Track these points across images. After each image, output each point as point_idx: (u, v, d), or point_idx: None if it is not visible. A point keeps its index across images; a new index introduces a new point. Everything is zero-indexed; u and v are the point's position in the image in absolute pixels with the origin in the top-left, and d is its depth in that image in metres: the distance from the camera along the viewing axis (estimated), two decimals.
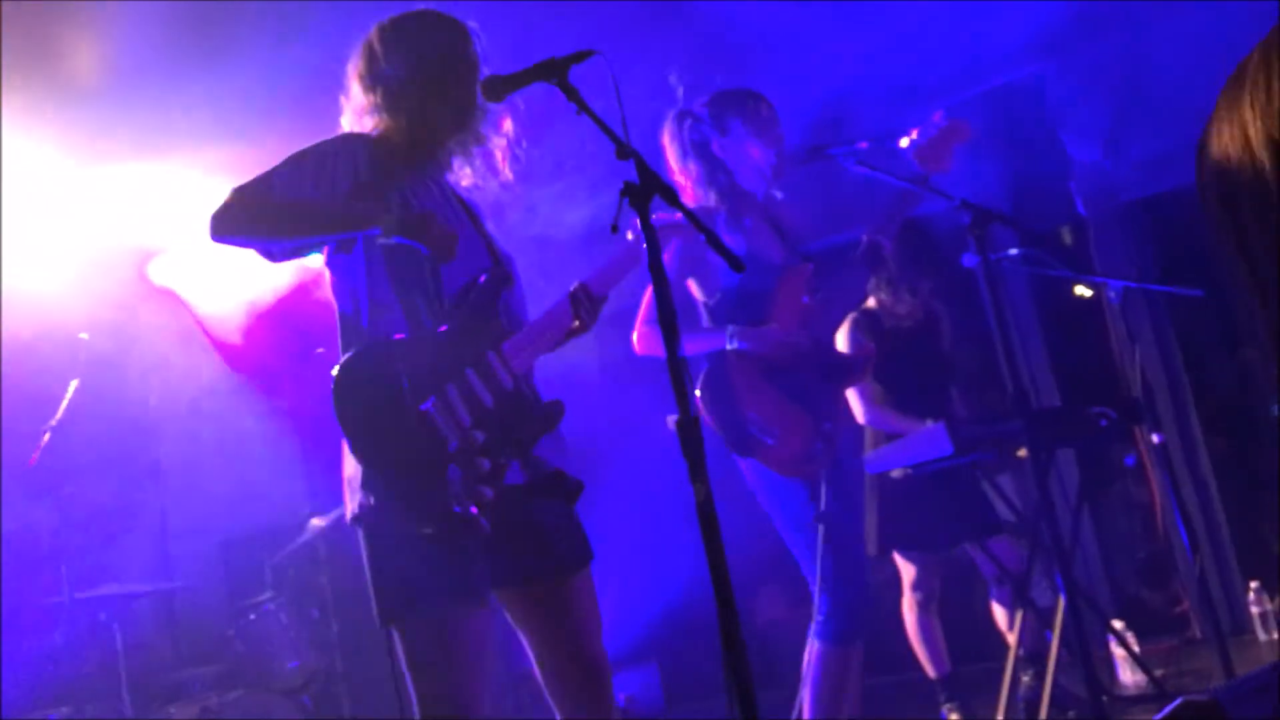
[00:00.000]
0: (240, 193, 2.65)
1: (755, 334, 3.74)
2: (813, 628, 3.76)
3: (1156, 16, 5.53)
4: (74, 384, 5.56)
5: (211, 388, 6.76)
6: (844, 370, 3.95)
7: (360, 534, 2.67)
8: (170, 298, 6.73)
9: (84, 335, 5.79)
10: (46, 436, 5.47)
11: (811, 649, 3.76)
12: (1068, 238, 6.48)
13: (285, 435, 6.63)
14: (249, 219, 2.64)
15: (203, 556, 6.72)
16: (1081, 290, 5.58)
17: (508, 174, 2.90)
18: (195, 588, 6.32)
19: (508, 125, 2.89)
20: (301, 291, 6.27)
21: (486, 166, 2.88)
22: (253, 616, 5.90)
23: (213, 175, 5.35)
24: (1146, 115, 5.82)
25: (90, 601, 5.43)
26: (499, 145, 2.88)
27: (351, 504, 2.65)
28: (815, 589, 3.73)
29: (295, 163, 2.69)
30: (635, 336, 3.92)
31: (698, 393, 3.77)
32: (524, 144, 2.93)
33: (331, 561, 6.12)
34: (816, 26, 5.86)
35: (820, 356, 3.83)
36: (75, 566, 5.44)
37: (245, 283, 6.52)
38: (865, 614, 3.74)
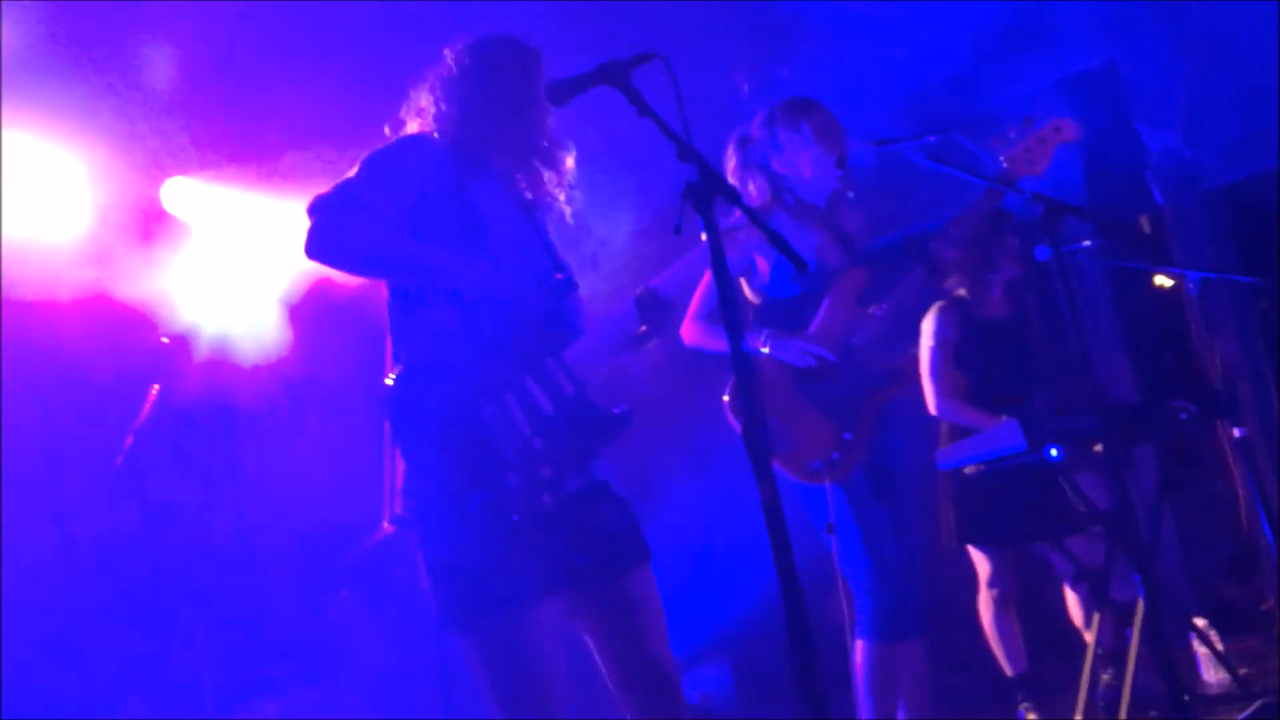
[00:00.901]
0: (324, 213, 2.65)
1: (784, 342, 3.78)
2: (855, 627, 3.78)
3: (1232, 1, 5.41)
4: (155, 388, 5.66)
5: (284, 385, 6.85)
6: (886, 380, 3.90)
7: (416, 537, 2.68)
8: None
9: (165, 339, 5.90)
10: (130, 439, 5.58)
11: (855, 649, 3.78)
12: (1146, 228, 6.36)
13: (359, 432, 6.70)
14: (338, 250, 2.66)
15: (279, 551, 6.82)
16: (1161, 280, 5.46)
17: (569, 185, 2.93)
18: (272, 582, 6.42)
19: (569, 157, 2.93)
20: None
21: (553, 175, 2.91)
22: (322, 618, 5.98)
23: None
24: (1223, 100, 5.68)
25: (170, 597, 5.55)
26: (564, 155, 2.91)
27: (403, 506, 2.67)
28: (854, 589, 3.77)
29: (371, 168, 2.71)
30: (684, 328, 3.98)
31: (725, 397, 3.81)
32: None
33: (408, 557, 6.17)
34: (884, 17, 5.82)
35: (860, 364, 3.82)
36: (156, 566, 5.56)
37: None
38: (908, 614, 3.75)
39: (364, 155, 2.76)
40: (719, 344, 3.85)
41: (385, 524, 4.79)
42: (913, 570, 3.80)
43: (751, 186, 3.97)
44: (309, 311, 6.68)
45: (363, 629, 5.97)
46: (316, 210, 2.66)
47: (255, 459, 6.85)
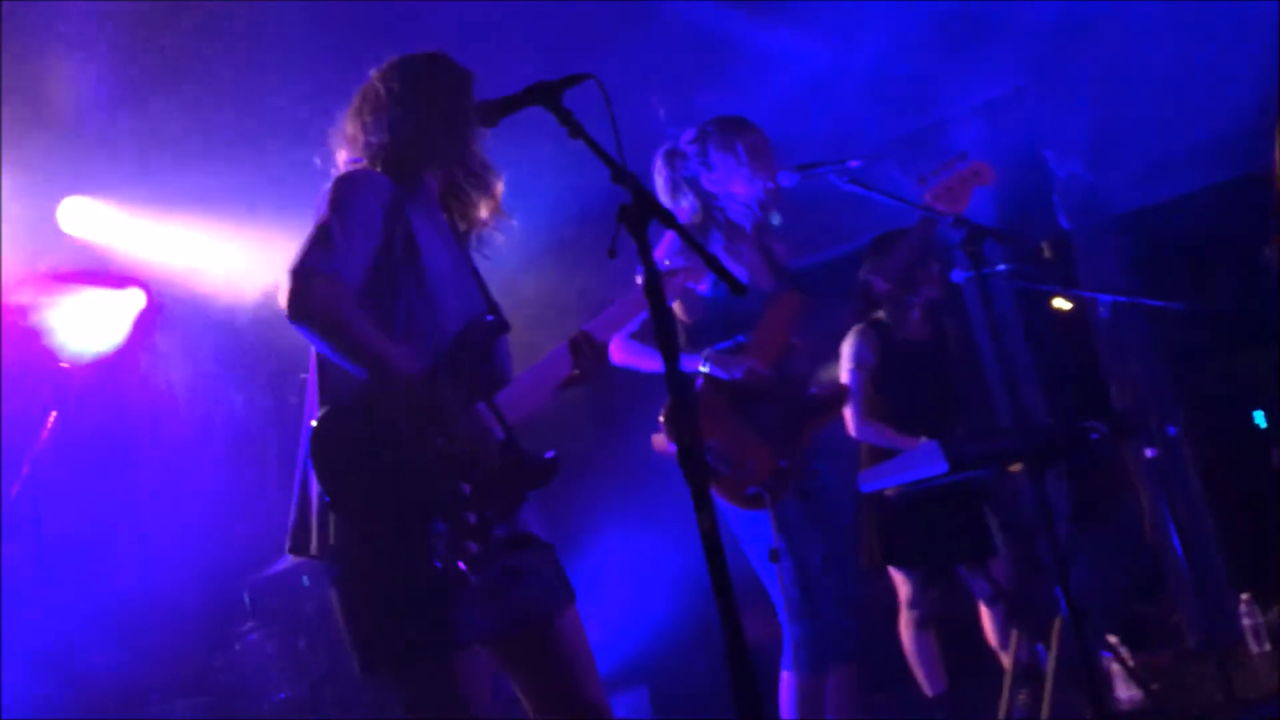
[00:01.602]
0: (309, 280, 2.48)
1: (727, 360, 3.73)
2: (782, 658, 3.74)
3: (1137, 29, 5.56)
4: (53, 415, 5.49)
5: (186, 411, 6.69)
6: (817, 407, 3.90)
7: (333, 571, 2.56)
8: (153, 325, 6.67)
9: (65, 364, 5.73)
10: (26, 468, 5.41)
11: (782, 680, 3.74)
12: (1048, 252, 6.49)
13: (260, 462, 6.55)
14: (324, 327, 2.48)
15: (181, 582, 6.63)
16: (1060, 303, 5.58)
17: (498, 212, 2.88)
18: (174, 614, 6.23)
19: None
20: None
21: (486, 201, 2.85)
22: (237, 647, 5.81)
23: None
24: (1128, 128, 5.84)
25: (66, 627, 5.35)
26: (495, 180, 2.85)
27: (318, 539, 2.55)
28: (783, 618, 3.71)
29: (344, 228, 2.55)
30: (613, 347, 3.88)
31: (661, 418, 3.74)
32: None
33: (318, 590, 6.03)
34: (800, 44, 5.88)
35: (793, 392, 3.80)
36: (50, 598, 5.36)
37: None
38: (836, 642, 3.72)
39: (325, 200, 2.61)
40: (649, 362, 3.78)
41: (289, 555, 4.65)
42: (842, 598, 3.78)
43: (683, 203, 3.94)
44: (209, 339, 6.55)
45: (268, 663, 5.80)
46: (300, 277, 2.48)
47: (154, 488, 6.66)
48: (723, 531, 3.36)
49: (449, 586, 2.43)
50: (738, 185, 3.90)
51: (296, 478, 2.62)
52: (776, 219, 3.95)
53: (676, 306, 3.90)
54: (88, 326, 6.34)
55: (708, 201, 3.92)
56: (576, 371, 2.71)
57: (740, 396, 3.71)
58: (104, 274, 6.35)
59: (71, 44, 4.90)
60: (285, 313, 2.48)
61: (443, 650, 2.46)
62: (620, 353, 3.88)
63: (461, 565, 2.44)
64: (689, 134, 4.00)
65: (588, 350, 2.71)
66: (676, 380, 2.26)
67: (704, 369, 3.73)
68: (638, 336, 3.89)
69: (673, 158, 4.00)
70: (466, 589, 2.45)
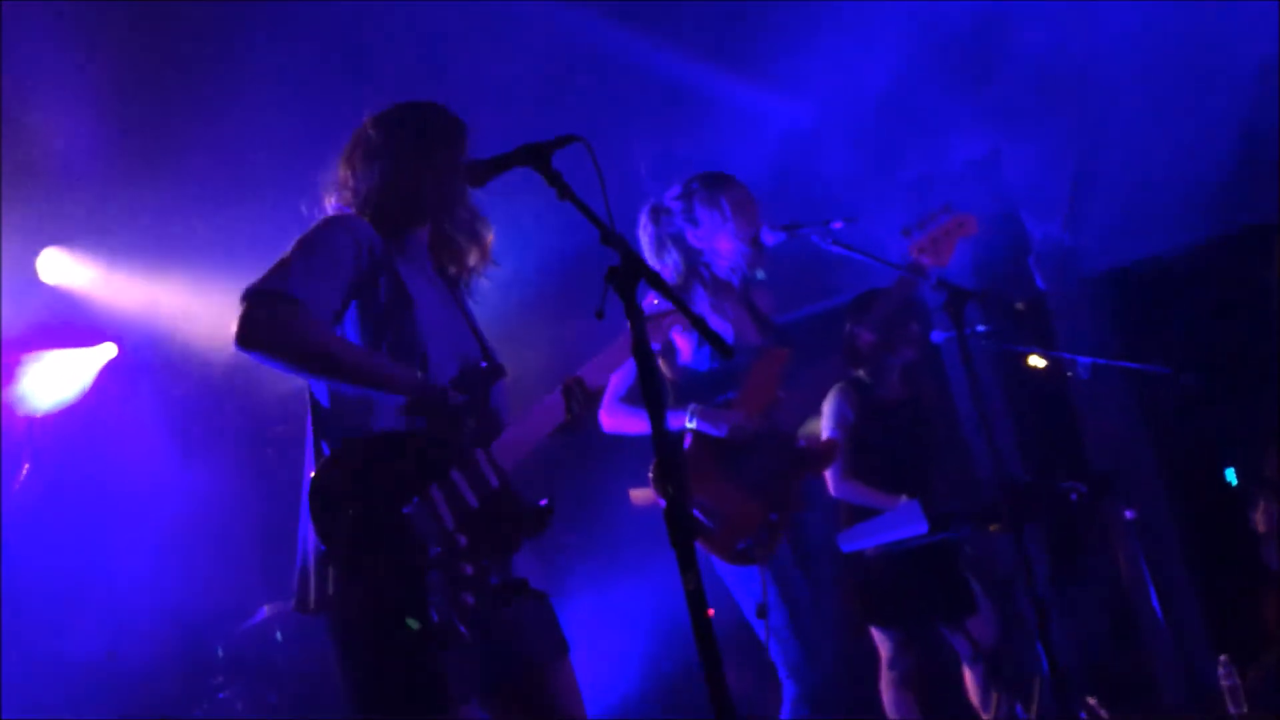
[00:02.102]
0: (261, 302, 2.48)
1: (714, 415, 3.72)
2: (780, 711, 3.71)
3: (1112, 91, 5.65)
4: (25, 467, 5.45)
5: (164, 464, 6.65)
6: (807, 460, 3.90)
7: (328, 623, 2.56)
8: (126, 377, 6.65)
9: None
10: None
11: None
12: (1022, 307, 6.55)
13: (239, 515, 6.50)
14: (275, 344, 2.47)
15: (154, 638, 6.54)
16: (1035, 361, 5.61)
17: (487, 260, 2.89)
18: (147, 671, 6.14)
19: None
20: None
21: (475, 250, 2.87)
22: (199, 712, 5.71)
23: None
24: (1103, 190, 5.91)
25: (36, 682, 5.26)
26: (484, 230, 2.87)
27: (316, 591, 2.54)
28: (781, 673, 3.70)
29: (306, 257, 2.56)
30: (603, 414, 3.89)
31: (650, 474, 3.72)
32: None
33: (290, 645, 5.96)
34: (776, 101, 5.95)
35: (781, 445, 3.80)
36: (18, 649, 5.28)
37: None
38: (831, 698, 3.69)
39: (298, 238, 2.63)
40: (640, 425, 3.77)
41: (294, 608, 4.62)
42: (834, 650, 3.77)
43: (668, 260, 3.94)
44: (182, 391, 6.53)
45: (239, 718, 5.71)
46: (252, 299, 2.48)
47: (129, 539, 6.58)
48: (715, 584, 3.37)
49: (444, 640, 2.42)
50: (723, 241, 3.91)
51: (299, 532, 2.61)
52: (761, 274, 3.96)
53: (663, 364, 3.91)
54: (54, 379, 6.32)
55: (693, 258, 3.93)
56: (570, 417, 2.72)
57: (728, 451, 3.71)
58: (76, 328, 6.33)
59: (55, 97, 4.90)
60: (235, 341, 2.47)
61: (438, 708, 2.45)
62: (610, 419, 3.89)
63: (456, 619, 2.42)
64: (674, 190, 4.01)
65: (580, 395, 2.73)
66: (663, 439, 2.26)
67: (691, 425, 3.72)
68: (625, 399, 3.88)
69: (658, 214, 4.00)
70: (461, 641, 2.44)
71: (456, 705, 2.48)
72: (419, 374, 2.57)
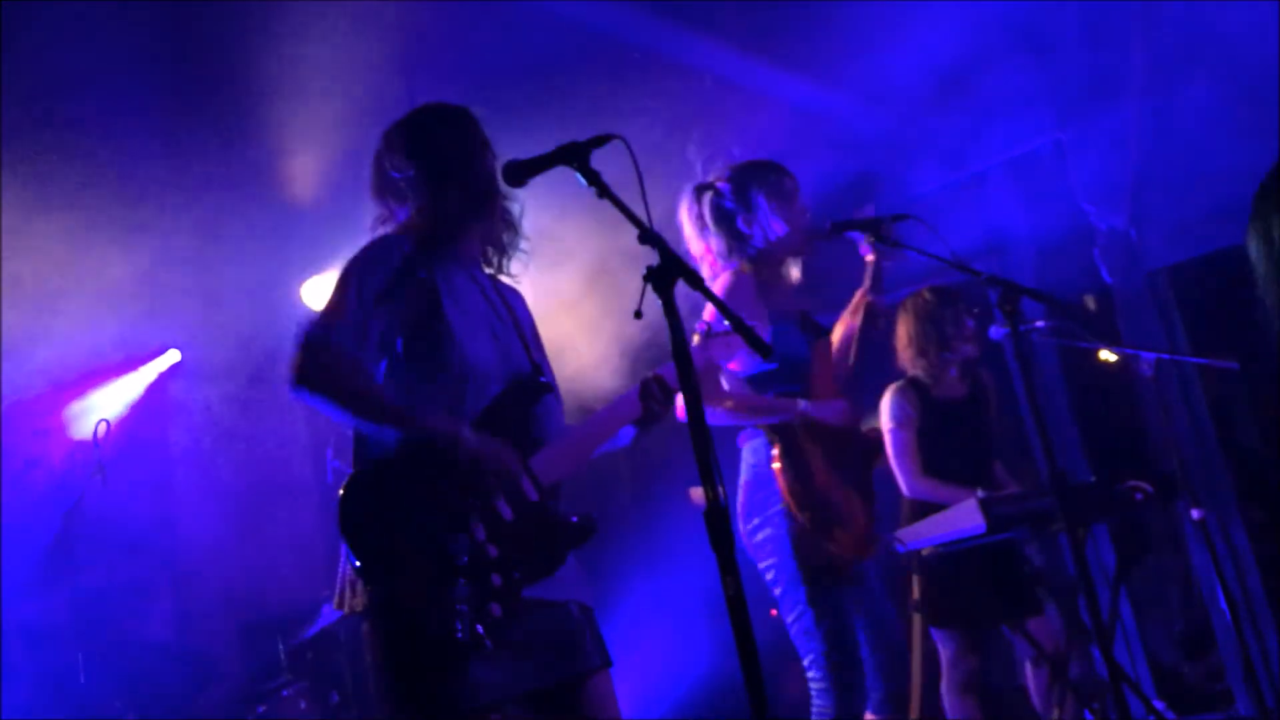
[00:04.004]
0: (314, 350, 2.53)
1: (824, 405, 3.57)
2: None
3: (1177, 81, 5.52)
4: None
5: (231, 470, 6.75)
6: (874, 451, 3.83)
7: (366, 630, 2.59)
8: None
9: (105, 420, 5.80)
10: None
11: None
12: (1092, 305, 6.42)
13: (304, 518, 6.58)
14: (325, 391, 2.52)
15: (221, 639, 6.64)
16: (1106, 355, 5.48)
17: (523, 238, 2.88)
18: (213, 670, 6.23)
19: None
20: None
21: (510, 234, 2.87)
22: (262, 709, 5.77)
23: None
24: (1169, 181, 5.77)
25: (105, 686, 5.36)
26: (514, 208, 2.87)
27: (351, 596, 2.59)
28: (818, 685, 3.56)
29: (357, 292, 2.59)
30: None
31: (775, 465, 3.52)
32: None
33: (351, 646, 6.01)
34: (832, 98, 5.88)
35: (858, 439, 3.72)
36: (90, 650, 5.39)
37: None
38: (904, 699, 3.63)
39: (342, 270, 2.66)
40: (722, 418, 3.54)
41: (335, 609, 4.65)
42: (901, 654, 3.70)
43: (712, 243, 3.79)
44: (248, 399, 6.62)
45: (302, 717, 5.76)
46: (306, 346, 2.54)
47: (193, 544, 6.70)
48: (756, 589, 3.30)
49: (467, 650, 2.42)
50: (774, 227, 3.76)
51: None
52: (797, 271, 3.86)
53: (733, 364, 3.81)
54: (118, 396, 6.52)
55: (742, 241, 3.77)
56: (645, 414, 2.72)
57: (834, 446, 3.57)
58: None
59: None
60: (289, 385, 2.53)
61: (463, 717, 2.45)
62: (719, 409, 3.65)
63: (480, 629, 2.41)
64: (725, 171, 3.86)
65: (658, 394, 2.72)
66: (703, 440, 2.23)
67: (803, 409, 3.54)
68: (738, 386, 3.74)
69: (703, 192, 3.85)
70: (488, 654, 2.43)
71: (485, 715, 2.47)
72: (458, 431, 2.52)
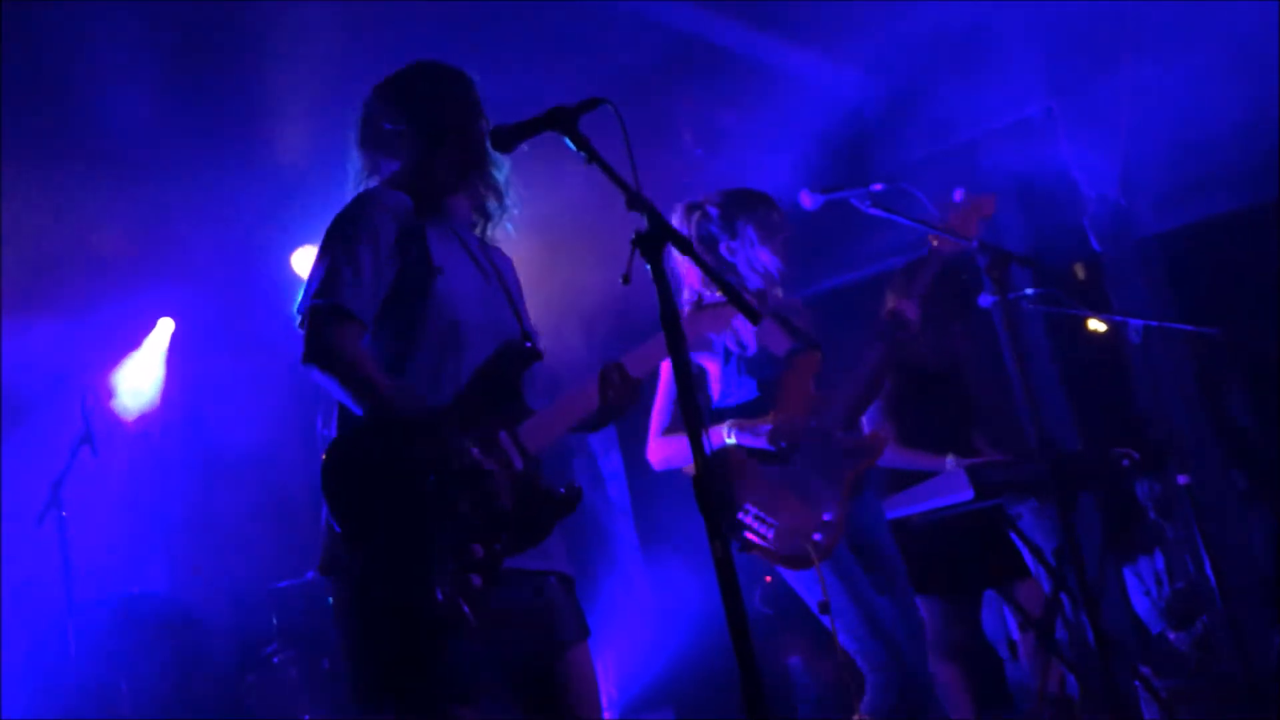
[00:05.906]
0: (321, 322, 2.50)
1: (750, 426, 3.69)
2: (862, 701, 3.66)
3: (1166, 50, 5.50)
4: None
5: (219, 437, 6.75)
6: (854, 453, 3.83)
7: (334, 589, 2.54)
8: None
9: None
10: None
11: None
12: (1081, 274, 6.43)
13: (293, 487, 6.58)
14: (335, 374, 2.48)
15: (213, 607, 6.65)
16: (1095, 324, 5.50)
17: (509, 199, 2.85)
18: (205, 634, 6.27)
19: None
20: None
21: (492, 196, 2.83)
22: (252, 678, 5.79)
23: None
24: (1159, 150, 5.77)
25: (95, 650, 5.38)
26: (515, 194, 2.83)
27: (330, 559, 2.52)
28: (865, 668, 3.62)
29: (349, 253, 2.54)
30: (650, 454, 3.90)
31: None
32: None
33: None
34: (826, 64, 5.86)
35: (826, 443, 3.74)
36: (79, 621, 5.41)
37: None
38: (914, 694, 3.60)
39: (333, 227, 2.61)
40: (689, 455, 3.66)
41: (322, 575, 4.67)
42: (915, 638, 3.72)
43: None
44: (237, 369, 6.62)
45: (296, 685, 5.79)
46: (313, 317, 2.51)
47: (181, 509, 6.71)
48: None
49: (448, 624, 2.36)
50: (758, 257, 3.84)
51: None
52: (780, 293, 3.91)
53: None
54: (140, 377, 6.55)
55: (723, 267, 3.83)
56: (603, 403, 2.63)
57: (773, 458, 3.67)
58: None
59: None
60: (301, 359, 2.50)
61: (435, 700, 2.41)
62: (657, 455, 3.88)
63: (461, 602, 2.36)
64: (713, 197, 3.93)
65: (618, 383, 2.64)
66: (694, 407, 2.23)
67: (731, 439, 3.70)
68: (668, 432, 3.85)
69: (693, 211, 3.91)
70: (467, 628, 2.37)
71: (459, 696, 2.43)
72: (466, 448, 2.47)
